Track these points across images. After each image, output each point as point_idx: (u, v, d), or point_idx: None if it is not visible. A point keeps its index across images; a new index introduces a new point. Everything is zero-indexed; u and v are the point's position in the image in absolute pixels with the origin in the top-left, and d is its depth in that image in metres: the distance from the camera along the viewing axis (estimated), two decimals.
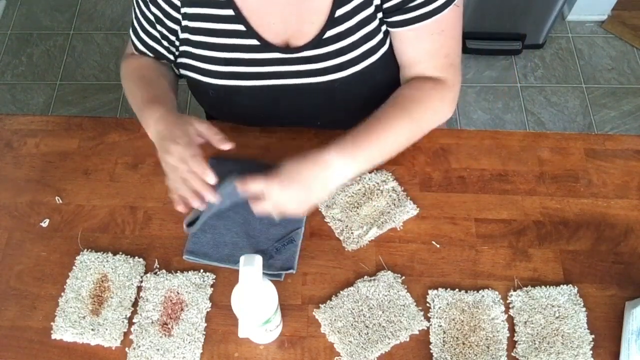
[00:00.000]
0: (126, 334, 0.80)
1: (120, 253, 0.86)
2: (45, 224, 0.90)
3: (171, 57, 0.91)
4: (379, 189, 0.91)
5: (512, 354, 0.78)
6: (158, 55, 0.92)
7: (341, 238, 0.87)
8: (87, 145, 0.97)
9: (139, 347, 0.79)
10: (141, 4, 0.86)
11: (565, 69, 2.10)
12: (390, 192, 0.91)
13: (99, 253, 0.86)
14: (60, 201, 0.92)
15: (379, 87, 0.91)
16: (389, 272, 0.84)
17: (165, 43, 0.89)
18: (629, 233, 0.88)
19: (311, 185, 0.77)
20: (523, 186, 0.92)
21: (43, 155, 0.97)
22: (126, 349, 0.79)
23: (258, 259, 0.66)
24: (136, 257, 0.86)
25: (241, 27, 0.83)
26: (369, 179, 0.92)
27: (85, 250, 0.87)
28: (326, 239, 0.87)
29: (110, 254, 0.86)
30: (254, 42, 0.84)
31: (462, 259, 0.86)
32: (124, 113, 2.03)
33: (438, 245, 0.87)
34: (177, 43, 0.88)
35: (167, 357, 0.78)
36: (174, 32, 0.86)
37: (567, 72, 2.10)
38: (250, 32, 0.83)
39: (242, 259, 0.66)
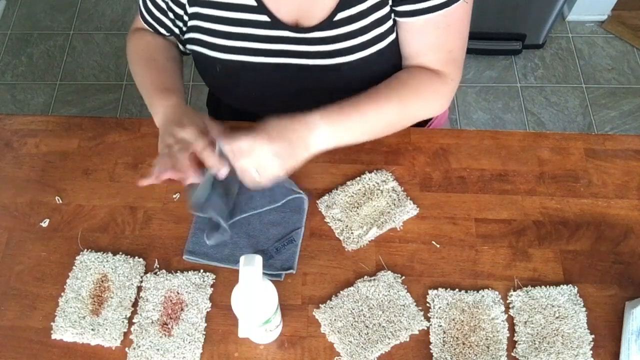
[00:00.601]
0: (126, 334, 0.80)
1: (120, 253, 0.86)
2: (45, 224, 0.90)
3: (176, 30, 0.92)
4: (379, 189, 0.91)
5: (512, 354, 0.78)
6: (165, 28, 0.93)
7: (341, 238, 0.87)
8: (87, 145, 0.97)
9: (139, 347, 0.79)
10: None
11: (565, 69, 2.10)
12: (390, 192, 0.91)
13: (99, 253, 0.86)
14: (60, 201, 0.92)
15: (384, 76, 0.90)
16: (389, 272, 0.84)
17: (170, 15, 0.89)
18: (629, 233, 0.88)
19: (295, 143, 0.76)
20: (523, 186, 0.92)
21: (43, 155, 0.97)
22: (126, 349, 0.79)
23: (258, 259, 0.66)
24: (136, 257, 0.86)
25: (252, 2, 0.83)
26: (369, 179, 0.92)
27: (85, 250, 0.87)
28: (326, 239, 0.87)
29: (110, 254, 0.86)
30: (264, 18, 0.84)
31: (462, 259, 0.86)
32: (124, 113, 2.03)
33: (438, 245, 0.87)
34: (185, 18, 0.88)
35: (167, 357, 0.78)
36: (181, 5, 0.87)
37: (567, 72, 2.10)
38: (261, 8, 0.83)
39: (242, 259, 0.66)
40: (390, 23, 0.85)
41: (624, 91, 2.05)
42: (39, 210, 0.91)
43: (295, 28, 0.84)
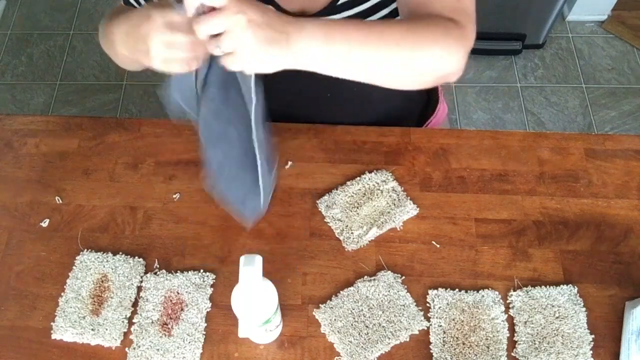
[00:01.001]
0: (126, 334, 0.80)
1: (120, 253, 0.86)
2: (45, 224, 0.90)
3: None
4: (379, 189, 0.91)
5: (512, 354, 0.78)
6: None
7: (341, 238, 0.87)
8: (87, 145, 0.97)
9: (139, 347, 0.79)
10: None
11: (565, 69, 2.10)
12: (390, 192, 0.91)
13: (99, 253, 0.86)
14: (60, 201, 0.92)
15: None
16: (389, 272, 0.84)
17: None
18: (629, 233, 0.88)
19: (275, 23, 0.61)
20: (523, 186, 0.92)
21: (43, 155, 0.97)
22: (126, 349, 0.79)
23: (258, 259, 0.66)
24: (136, 257, 0.86)
25: None
26: (369, 179, 0.92)
27: (85, 250, 0.87)
28: (326, 239, 0.87)
29: (110, 254, 0.86)
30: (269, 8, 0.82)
31: (462, 259, 0.86)
32: (124, 113, 2.03)
33: (438, 245, 0.87)
34: None
35: (167, 357, 0.78)
36: None
37: (567, 72, 2.10)
38: None
39: (242, 259, 0.66)
40: (393, 6, 0.84)
41: (624, 91, 2.05)
42: (39, 210, 0.91)
43: (300, 16, 0.83)
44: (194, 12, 0.60)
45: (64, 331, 0.80)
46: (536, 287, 0.83)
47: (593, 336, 0.79)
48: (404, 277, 0.84)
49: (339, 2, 0.82)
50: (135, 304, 0.82)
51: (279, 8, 0.82)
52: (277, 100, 0.91)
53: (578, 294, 0.82)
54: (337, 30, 0.65)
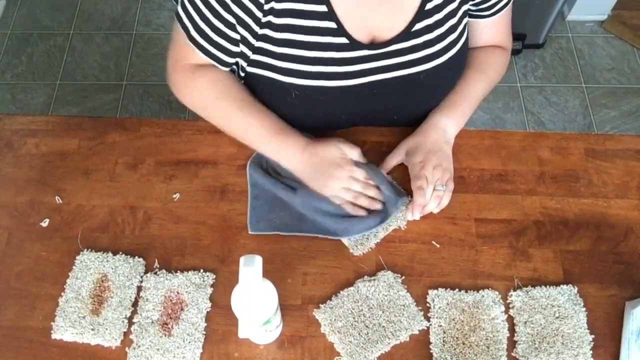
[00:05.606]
0: (126, 334, 0.80)
1: (120, 253, 0.86)
2: (45, 223, 0.90)
3: (235, 60, 0.88)
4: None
5: (512, 354, 0.78)
6: (228, 63, 0.89)
7: (346, 243, 0.87)
8: (87, 145, 0.97)
9: (139, 347, 0.79)
10: (216, 6, 0.80)
11: (565, 69, 2.10)
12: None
13: (99, 253, 0.86)
14: (60, 201, 0.92)
15: (455, 80, 0.94)
16: (389, 272, 0.84)
17: (241, 46, 0.85)
18: (629, 233, 0.88)
19: (447, 150, 0.90)
20: (523, 186, 0.92)
21: (43, 155, 0.97)
22: (126, 348, 0.79)
23: (258, 260, 0.66)
24: (136, 257, 0.86)
25: (332, 25, 0.80)
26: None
27: (85, 250, 0.87)
28: (326, 239, 0.87)
29: (110, 254, 0.86)
30: (343, 40, 0.82)
31: (462, 259, 0.86)
32: (124, 113, 2.03)
33: (438, 245, 0.87)
34: (252, 40, 0.83)
35: (167, 357, 0.78)
36: (254, 33, 0.82)
37: (567, 72, 2.10)
38: (341, 30, 0.81)
39: (241, 259, 0.66)
40: (460, 28, 0.87)
41: (624, 91, 2.05)
42: (39, 210, 0.91)
43: (372, 45, 0.83)
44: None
45: (64, 331, 0.80)
46: (536, 287, 0.83)
47: (593, 336, 0.79)
48: (404, 277, 0.84)
49: (414, 29, 0.83)
50: (135, 304, 0.82)
51: (353, 40, 0.82)
52: (345, 118, 0.96)
53: (578, 294, 0.82)
54: (461, 116, 0.93)
